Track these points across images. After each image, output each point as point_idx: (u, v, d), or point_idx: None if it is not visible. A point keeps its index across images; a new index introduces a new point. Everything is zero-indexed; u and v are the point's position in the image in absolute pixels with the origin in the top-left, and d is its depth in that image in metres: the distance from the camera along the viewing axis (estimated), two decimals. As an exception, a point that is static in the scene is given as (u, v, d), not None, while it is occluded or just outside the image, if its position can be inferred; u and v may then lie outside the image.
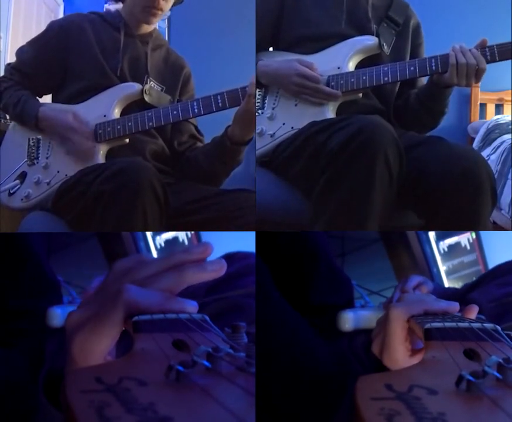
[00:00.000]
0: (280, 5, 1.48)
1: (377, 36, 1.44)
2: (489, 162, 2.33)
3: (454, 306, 0.69)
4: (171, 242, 1.76)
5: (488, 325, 0.55)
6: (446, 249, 1.80)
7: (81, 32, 1.50)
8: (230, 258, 1.17)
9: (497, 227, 2.12)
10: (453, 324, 0.56)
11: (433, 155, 1.26)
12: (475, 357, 0.47)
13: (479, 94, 3.06)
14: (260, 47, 1.51)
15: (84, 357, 0.46)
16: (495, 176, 2.18)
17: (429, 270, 1.76)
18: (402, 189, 1.23)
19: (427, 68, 1.34)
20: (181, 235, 1.76)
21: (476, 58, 1.29)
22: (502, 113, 3.03)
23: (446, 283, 1.78)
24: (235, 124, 1.38)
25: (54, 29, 1.54)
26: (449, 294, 1.27)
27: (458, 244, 1.81)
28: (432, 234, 1.79)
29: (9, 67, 1.55)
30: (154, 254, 1.73)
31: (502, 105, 3.10)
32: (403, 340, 0.63)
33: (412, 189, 1.26)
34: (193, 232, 1.73)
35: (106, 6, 2.66)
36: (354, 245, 1.79)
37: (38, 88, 1.56)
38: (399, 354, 0.63)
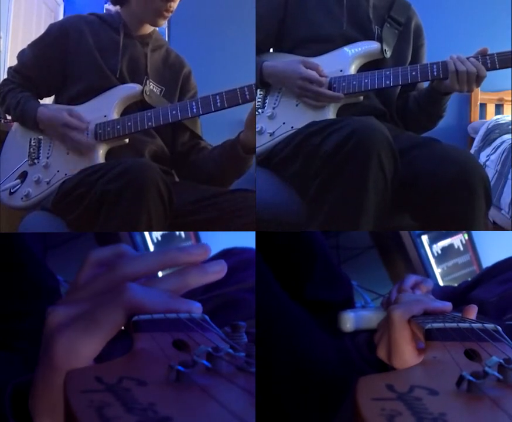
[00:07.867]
0: (283, 7, 1.49)
1: (380, 37, 1.45)
2: (489, 162, 2.33)
3: (448, 306, 0.71)
4: (168, 237, 1.76)
5: (489, 325, 0.55)
6: (439, 251, 1.80)
7: (80, 34, 1.51)
8: (227, 253, 1.17)
9: (497, 227, 2.12)
10: (454, 324, 0.56)
11: (426, 158, 1.26)
12: (476, 357, 0.47)
13: (479, 94, 3.06)
14: (264, 48, 1.51)
15: (67, 360, 0.42)
16: (495, 176, 2.19)
17: (425, 273, 1.76)
18: (397, 192, 1.23)
19: (429, 74, 1.35)
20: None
21: (476, 66, 1.29)
22: (502, 114, 3.03)
23: (442, 286, 1.78)
24: (248, 129, 1.38)
25: (54, 31, 1.54)
26: (448, 293, 1.27)
27: (451, 245, 1.82)
28: (425, 238, 1.79)
29: (11, 69, 1.57)
30: (151, 248, 1.73)
31: (502, 105, 3.09)
32: (410, 340, 0.63)
33: (407, 192, 1.27)
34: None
35: (106, 6, 2.66)
36: (349, 254, 1.80)
37: (40, 90, 1.57)
38: (408, 355, 0.63)
